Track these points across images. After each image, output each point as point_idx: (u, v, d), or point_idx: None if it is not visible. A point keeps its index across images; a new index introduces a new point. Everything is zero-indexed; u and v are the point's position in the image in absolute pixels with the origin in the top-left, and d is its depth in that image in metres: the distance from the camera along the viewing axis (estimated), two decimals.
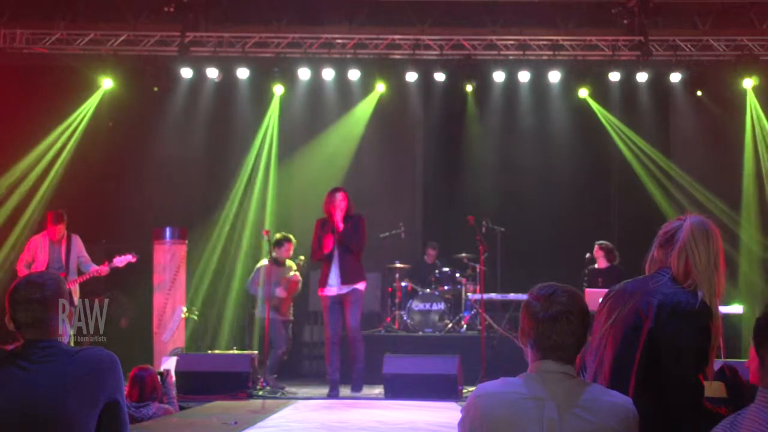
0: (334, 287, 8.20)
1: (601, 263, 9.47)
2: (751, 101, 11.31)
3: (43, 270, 7.98)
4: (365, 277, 8.41)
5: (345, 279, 8.18)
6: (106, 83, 11.11)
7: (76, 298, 8.13)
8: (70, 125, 11.23)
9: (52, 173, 11.06)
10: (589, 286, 9.03)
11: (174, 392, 6.32)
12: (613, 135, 11.74)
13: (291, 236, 9.24)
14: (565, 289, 2.43)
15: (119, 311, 10.50)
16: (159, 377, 5.97)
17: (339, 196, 8.24)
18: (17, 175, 10.90)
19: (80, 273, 8.69)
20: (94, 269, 8.59)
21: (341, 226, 8.16)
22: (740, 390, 3.76)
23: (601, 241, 9.60)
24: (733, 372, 3.94)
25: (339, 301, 8.24)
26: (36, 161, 11.02)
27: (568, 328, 2.36)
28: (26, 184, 10.93)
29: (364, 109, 11.80)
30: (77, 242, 8.68)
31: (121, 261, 8.67)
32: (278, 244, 9.11)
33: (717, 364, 3.99)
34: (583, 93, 11.60)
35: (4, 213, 10.78)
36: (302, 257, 9.33)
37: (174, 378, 6.44)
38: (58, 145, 11.16)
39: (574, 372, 2.40)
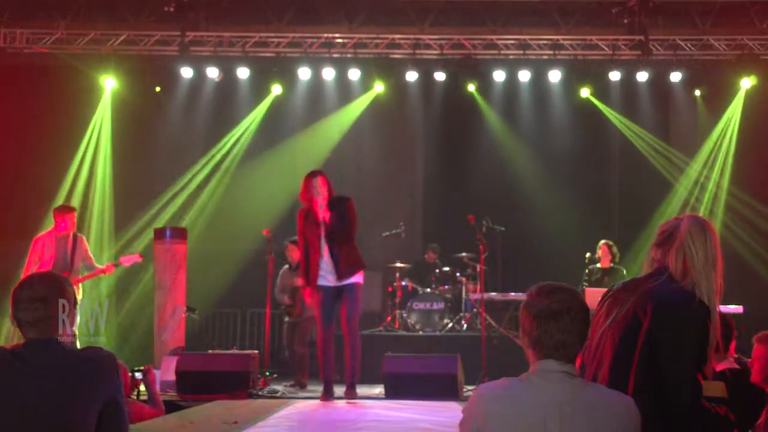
0: (329, 279, 7.13)
1: (605, 263, 9.35)
2: (736, 106, 11.27)
3: (48, 269, 7.96)
4: (364, 264, 7.26)
5: (341, 274, 7.08)
6: (109, 83, 11.11)
7: (79, 298, 8.13)
8: (87, 132, 11.26)
9: (82, 179, 11.12)
10: (592, 286, 8.96)
11: (157, 389, 6.20)
12: (624, 131, 11.71)
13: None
14: (564, 287, 2.44)
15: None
16: (136, 374, 5.90)
17: (317, 181, 6.94)
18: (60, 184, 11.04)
19: (84, 273, 8.68)
20: (99, 269, 8.58)
21: (326, 216, 6.98)
22: (743, 391, 3.77)
23: (608, 240, 9.45)
24: (735, 373, 3.95)
25: (334, 293, 7.16)
26: (65, 167, 11.13)
27: (569, 325, 2.36)
28: (62, 193, 10.99)
29: (363, 109, 11.79)
30: (82, 243, 8.66)
31: (127, 260, 8.67)
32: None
33: (724, 363, 4.01)
34: (586, 92, 11.60)
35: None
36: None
37: (156, 375, 6.29)
38: (79, 150, 11.23)
39: (576, 371, 2.41)
